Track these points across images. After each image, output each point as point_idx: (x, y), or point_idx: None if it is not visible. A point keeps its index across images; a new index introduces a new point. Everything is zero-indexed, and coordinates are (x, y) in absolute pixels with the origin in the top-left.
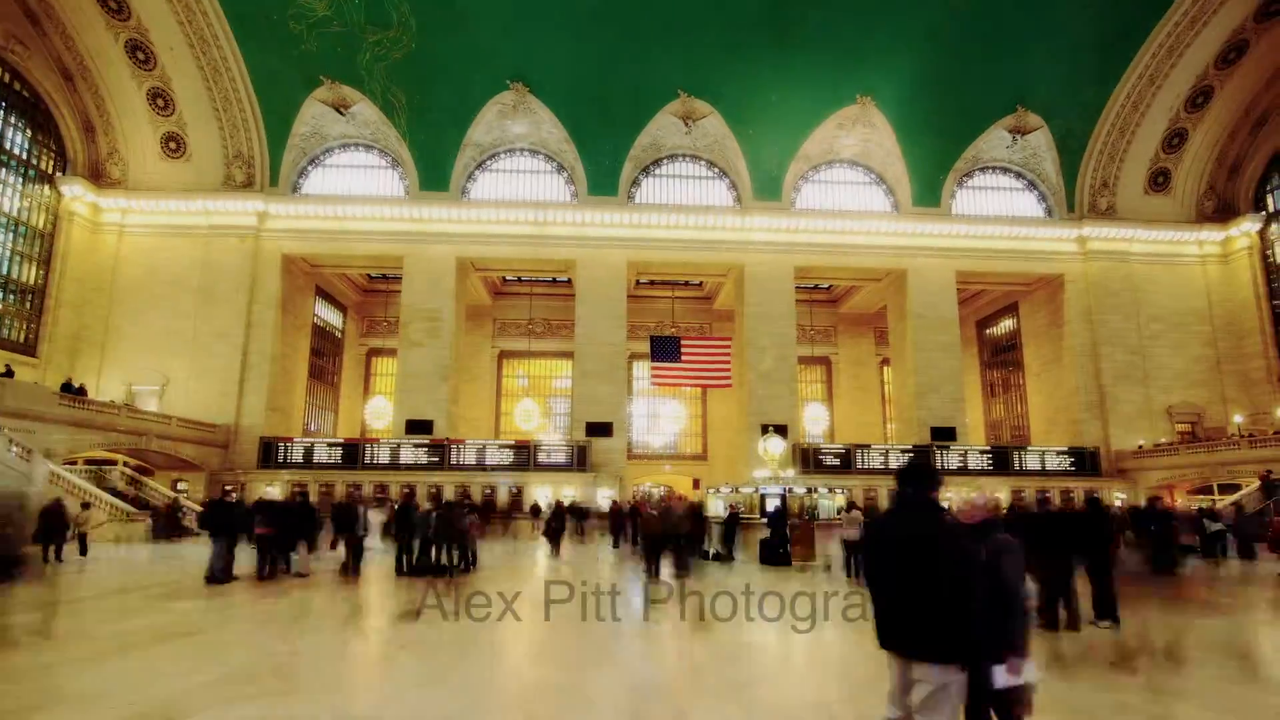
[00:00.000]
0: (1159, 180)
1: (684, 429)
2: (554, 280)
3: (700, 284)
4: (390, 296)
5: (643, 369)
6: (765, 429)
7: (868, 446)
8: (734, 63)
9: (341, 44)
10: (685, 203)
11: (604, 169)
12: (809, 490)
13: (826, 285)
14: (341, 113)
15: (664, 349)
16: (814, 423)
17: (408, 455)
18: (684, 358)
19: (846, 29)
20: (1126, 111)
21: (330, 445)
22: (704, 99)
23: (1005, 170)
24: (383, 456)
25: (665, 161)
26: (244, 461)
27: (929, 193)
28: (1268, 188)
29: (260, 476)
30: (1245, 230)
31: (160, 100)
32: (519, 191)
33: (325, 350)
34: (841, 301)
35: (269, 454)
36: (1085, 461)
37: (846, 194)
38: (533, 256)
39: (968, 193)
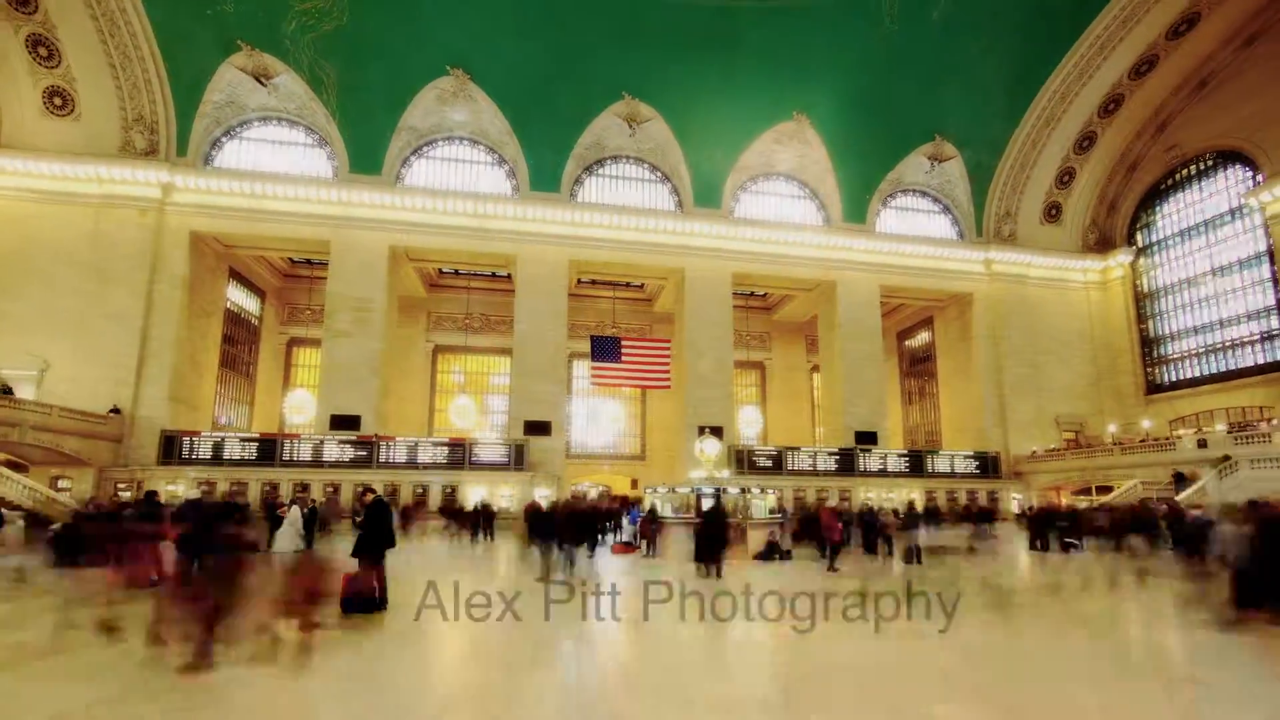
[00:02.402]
0: (1052, 212)
1: (623, 429)
2: (493, 275)
3: (641, 285)
4: (315, 283)
5: (582, 368)
6: (702, 430)
7: (798, 449)
8: (678, 70)
9: (264, 9)
10: (628, 204)
11: (547, 165)
12: (742, 490)
13: (762, 293)
14: (263, 83)
15: (604, 349)
16: (748, 425)
17: (332, 452)
18: (624, 358)
19: (785, 49)
20: (1026, 149)
21: (244, 440)
22: (648, 102)
23: (924, 194)
24: (304, 453)
25: (609, 162)
26: (141, 457)
27: (857, 210)
28: (1138, 225)
29: (160, 474)
30: (1120, 262)
31: (43, 49)
32: (458, 181)
33: (240, 338)
34: (775, 309)
35: (171, 449)
36: (988, 465)
37: (782, 206)
38: (471, 249)
39: (891, 212)
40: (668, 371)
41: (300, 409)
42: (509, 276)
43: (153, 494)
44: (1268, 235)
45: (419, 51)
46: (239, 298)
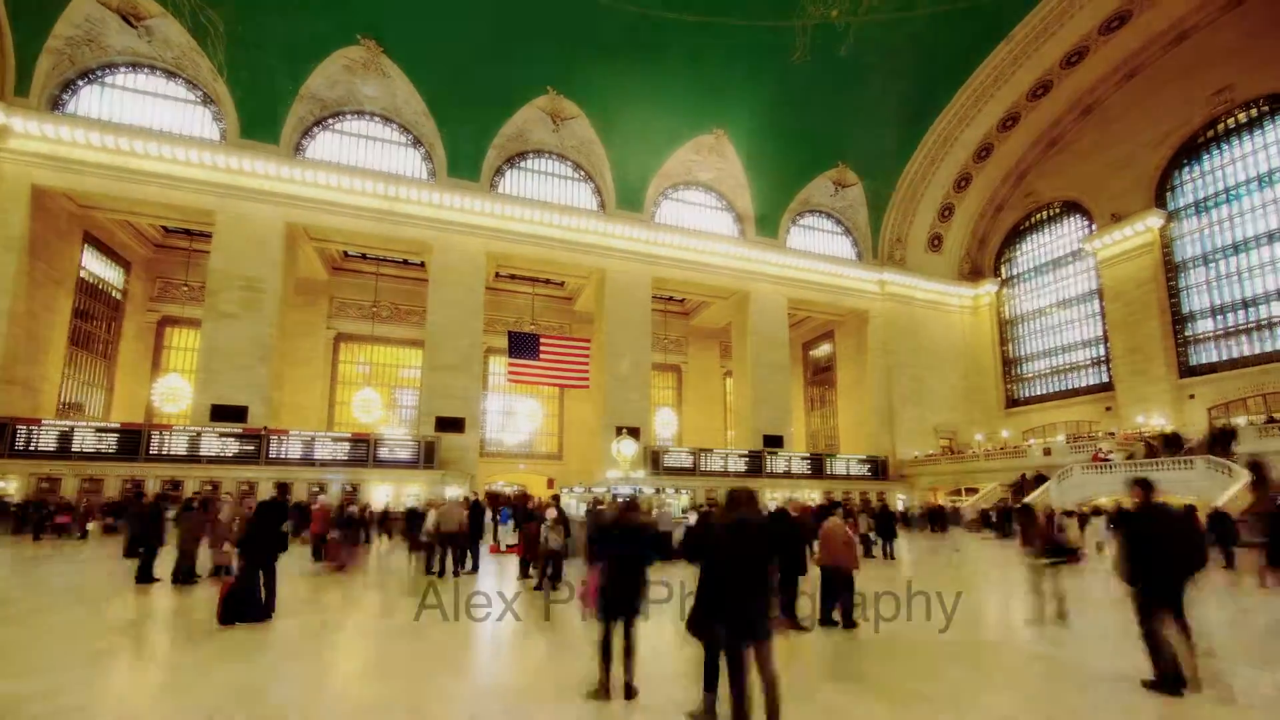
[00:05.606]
0: (935, 242)
1: (540, 428)
2: (405, 261)
3: (562, 283)
4: (195, 256)
5: (499, 364)
6: (619, 431)
7: (711, 451)
8: (604, 72)
9: None
10: (550, 200)
11: (466, 152)
12: (657, 490)
13: (680, 298)
14: (132, 24)
15: (523, 346)
16: (664, 426)
17: (212, 445)
18: (543, 356)
19: (707, 65)
20: (915, 182)
21: (101, 430)
22: (573, 100)
23: (829, 215)
24: (178, 446)
25: (531, 156)
26: None
27: (769, 225)
28: (1002, 259)
29: None
30: (987, 290)
31: None
32: (367, 159)
33: (97, 314)
34: (693, 315)
35: (0, 438)
36: (879, 468)
37: (700, 215)
38: (381, 233)
39: (799, 230)
40: (587, 371)
41: (173, 397)
42: (422, 264)
43: None
44: (1098, 276)
45: (324, 13)
46: (97, 267)
